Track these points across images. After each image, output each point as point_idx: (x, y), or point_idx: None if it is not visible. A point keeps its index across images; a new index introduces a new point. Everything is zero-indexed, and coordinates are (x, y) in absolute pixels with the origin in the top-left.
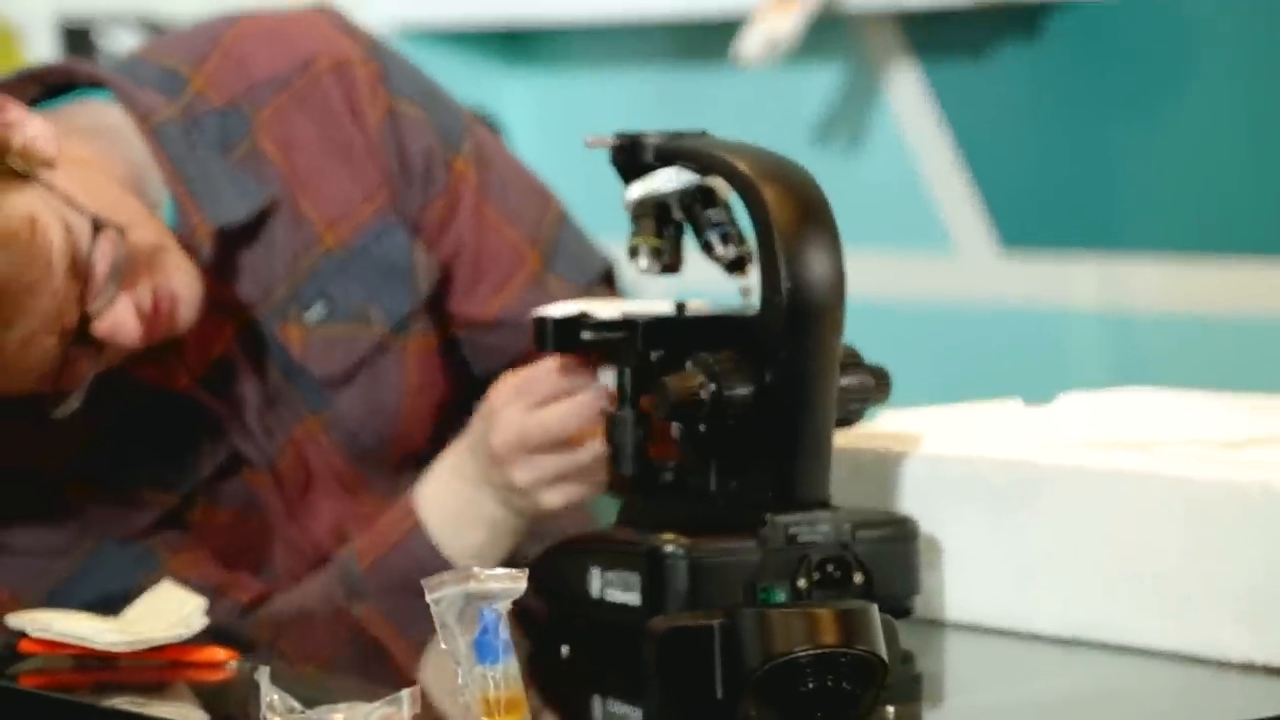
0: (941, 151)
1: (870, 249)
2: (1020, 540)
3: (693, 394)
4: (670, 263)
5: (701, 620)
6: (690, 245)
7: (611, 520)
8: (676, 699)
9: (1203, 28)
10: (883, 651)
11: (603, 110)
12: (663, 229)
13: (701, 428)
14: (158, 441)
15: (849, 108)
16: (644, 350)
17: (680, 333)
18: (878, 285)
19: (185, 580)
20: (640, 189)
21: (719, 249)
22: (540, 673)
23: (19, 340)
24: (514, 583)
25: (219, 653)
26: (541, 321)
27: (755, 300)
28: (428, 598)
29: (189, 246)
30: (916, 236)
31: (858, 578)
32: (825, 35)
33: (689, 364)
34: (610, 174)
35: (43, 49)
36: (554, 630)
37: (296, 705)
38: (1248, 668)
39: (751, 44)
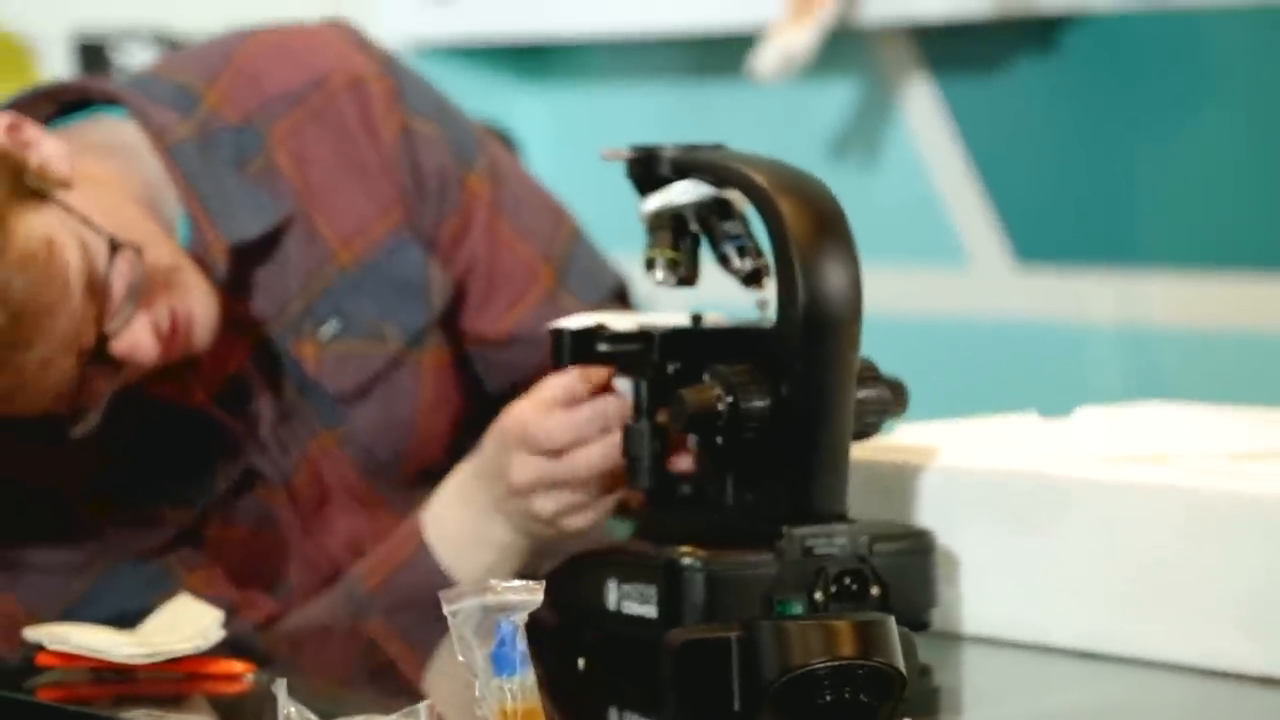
0: (956, 166)
1: (885, 263)
2: (1037, 553)
3: (710, 406)
4: (687, 275)
5: (718, 633)
6: (706, 258)
7: (627, 533)
8: (693, 711)
9: (1219, 42)
10: (900, 664)
11: (618, 125)
12: (679, 241)
13: (718, 440)
14: (173, 458)
15: (864, 122)
16: (661, 362)
17: (697, 345)
18: (893, 300)
19: (200, 598)
20: (656, 201)
21: (735, 262)
22: (557, 685)
23: (38, 361)
24: (531, 595)
25: (236, 665)
26: (558, 333)
27: (772, 313)
28: (445, 610)
29: (204, 264)
30: (931, 251)
31: (875, 590)
32: (840, 50)
33: (706, 376)
34: (625, 189)
35: (57, 64)
36: (571, 643)
37: (313, 717)
38: (1265, 681)
39: (766, 59)
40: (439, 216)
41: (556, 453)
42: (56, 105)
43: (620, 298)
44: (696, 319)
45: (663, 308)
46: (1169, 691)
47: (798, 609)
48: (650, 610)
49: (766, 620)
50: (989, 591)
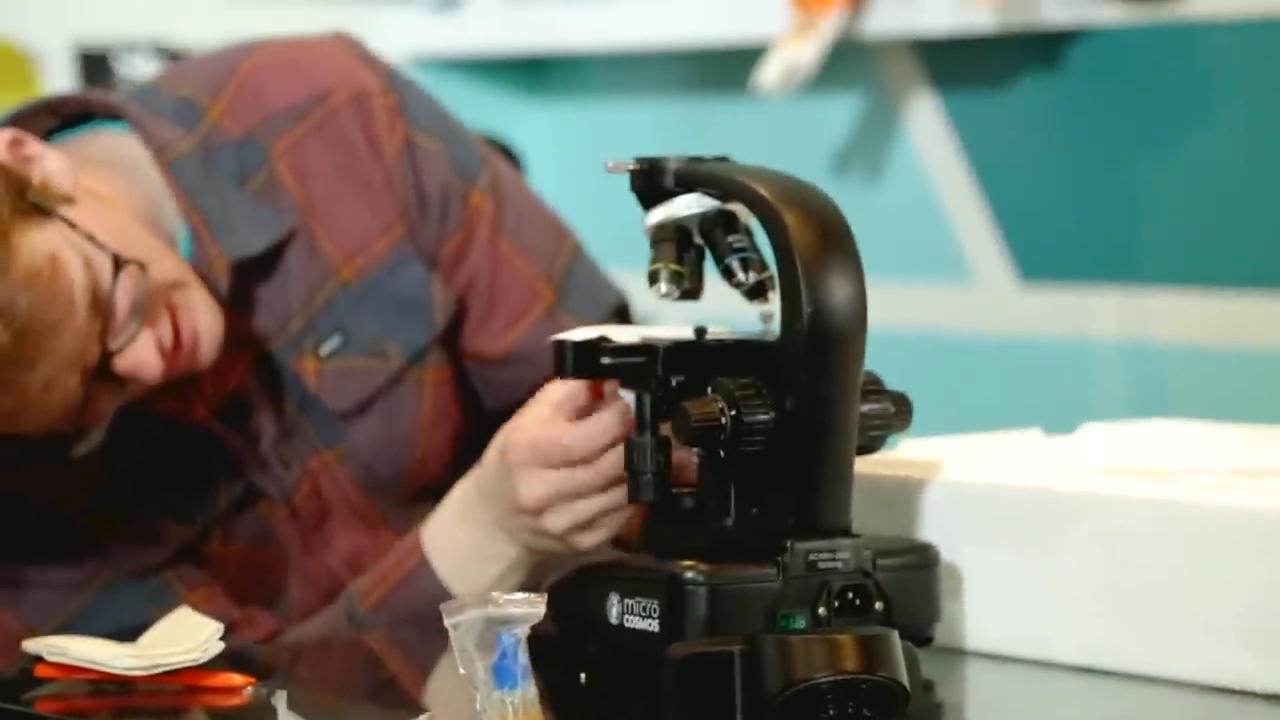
0: (960, 180)
1: (889, 278)
2: (1041, 568)
3: (713, 419)
4: (691, 288)
5: (721, 646)
6: (710, 271)
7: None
8: None
9: (1223, 57)
10: (904, 678)
11: (621, 139)
12: (683, 254)
13: (721, 454)
14: (175, 474)
15: (868, 137)
16: (664, 375)
17: (701, 358)
18: (896, 315)
19: None
20: (660, 214)
21: (739, 274)
22: (558, 700)
23: (42, 380)
24: (533, 607)
25: (235, 678)
26: (561, 345)
27: (776, 326)
28: (446, 622)
29: (206, 279)
30: (935, 266)
31: (879, 605)
32: (844, 64)
33: (709, 390)
34: (629, 204)
35: (60, 75)
36: (572, 657)
37: None
38: (1269, 697)
39: (770, 73)
40: (441, 233)
41: (571, 465)
42: (58, 118)
43: (621, 315)
44: (700, 332)
45: (666, 322)
46: (1172, 707)
47: (801, 624)
48: (652, 624)
49: (770, 634)
50: (992, 606)
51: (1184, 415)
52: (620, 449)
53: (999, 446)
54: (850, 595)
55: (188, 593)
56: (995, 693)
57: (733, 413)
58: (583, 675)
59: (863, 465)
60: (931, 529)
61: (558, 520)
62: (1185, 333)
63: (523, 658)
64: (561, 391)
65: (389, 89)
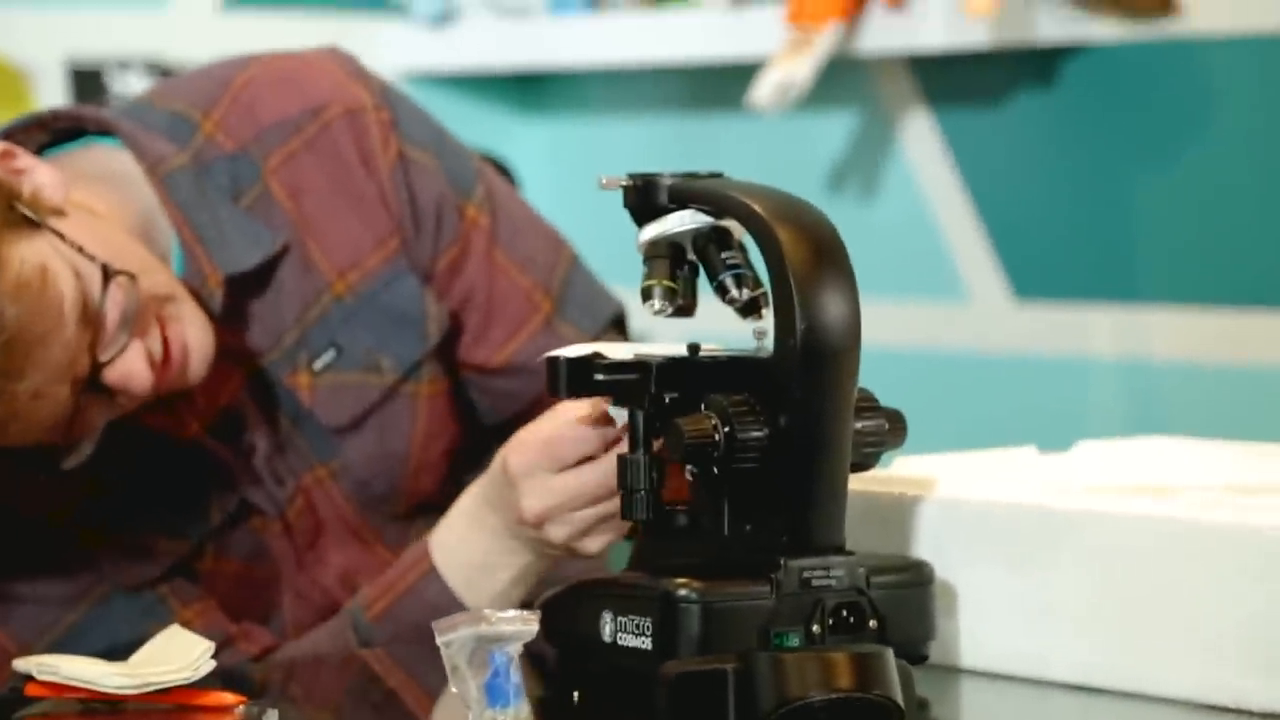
0: (955, 198)
1: (883, 296)
2: (1036, 586)
3: (706, 436)
4: (684, 304)
5: (714, 664)
6: (704, 288)
7: (623, 564)
8: None
9: (1220, 74)
10: (898, 697)
11: (616, 155)
12: (676, 270)
13: (715, 470)
14: (168, 490)
15: (862, 154)
16: (657, 392)
17: (694, 375)
18: (890, 332)
19: (195, 632)
20: (654, 230)
21: (733, 291)
22: (551, 718)
23: (31, 391)
24: (525, 625)
25: (227, 697)
26: (554, 362)
27: (769, 343)
28: (438, 640)
29: (199, 295)
30: (930, 283)
31: (873, 623)
32: (839, 81)
33: (703, 406)
34: (622, 221)
35: (53, 92)
36: (565, 675)
37: None
38: (1266, 716)
39: (765, 89)
40: (436, 247)
41: (579, 465)
42: (50, 133)
43: (619, 325)
44: (693, 349)
45: (660, 338)
46: None
47: (795, 641)
48: (645, 642)
49: (763, 652)
50: (987, 624)
51: (1180, 433)
52: (612, 471)
53: (994, 464)
54: (844, 613)
55: (182, 608)
56: (990, 711)
57: (726, 429)
58: (575, 694)
59: (857, 482)
60: (926, 546)
61: (559, 531)
62: (1181, 350)
63: (515, 676)
64: (573, 409)
65: (382, 104)
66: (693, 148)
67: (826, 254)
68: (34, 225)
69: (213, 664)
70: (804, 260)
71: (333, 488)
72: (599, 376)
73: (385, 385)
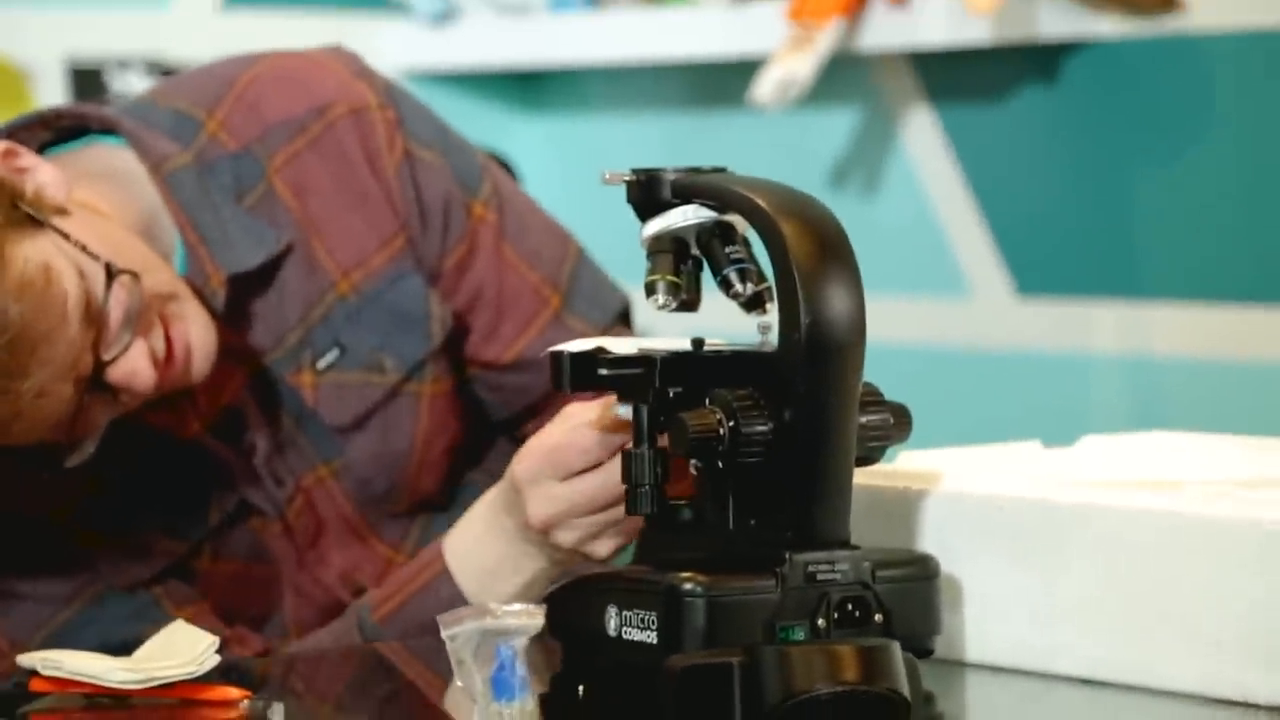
0: (957, 194)
1: (886, 292)
2: (1041, 580)
3: (711, 430)
4: (688, 299)
5: (720, 658)
6: (708, 284)
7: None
8: None
9: (1222, 70)
10: (905, 690)
11: (617, 153)
12: (680, 265)
13: (719, 465)
14: (168, 489)
15: (864, 151)
16: (662, 387)
17: (698, 370)
18: (893, 329)
19: None
20: (657, 225)
21: (737, 286)
22: (556, 712)
23: (34, 390)
24: (531, 619)
25: (231, 691)
26: (558, 357)
27: (774, 338)
28: (444, 634)
29: (202, 294)
30: (932, 280)
31: (878, 617)
32: (841, 78)
33: (707, 401)
34: (625, 219)
35: (53, 91)
36: (570, 669)
37: None
38: (1272, 709)
39: (767, 86)
40: (444, 245)
41: (585, 470)
42: (53, 131)
43: (625, 318)
44: (698, 343)
45: (663, 334)
46: (1173, 719)
47: (800, 635)
48: (651, 636)
49: (769, 645)
50: (992, 618)
51: (1183, 428)
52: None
53: (998, 458)
54: (849, 607)
55: (175, 610)
56: (996, 705)
57: (731, 424)
58: (580, 688)
59: (862, 476)
60: (931, 540)
61: (567, 536)
62: (1184, 346)
63: (521, 669)
64: (580, 416)
65: (387, 103)
66: (694, 145)
67: (831, 248)
68: (37, 224)
69: (217, 659)
70: (808, 254)
71: (334, 486)
72: (603, 371)
73: (388, 385)
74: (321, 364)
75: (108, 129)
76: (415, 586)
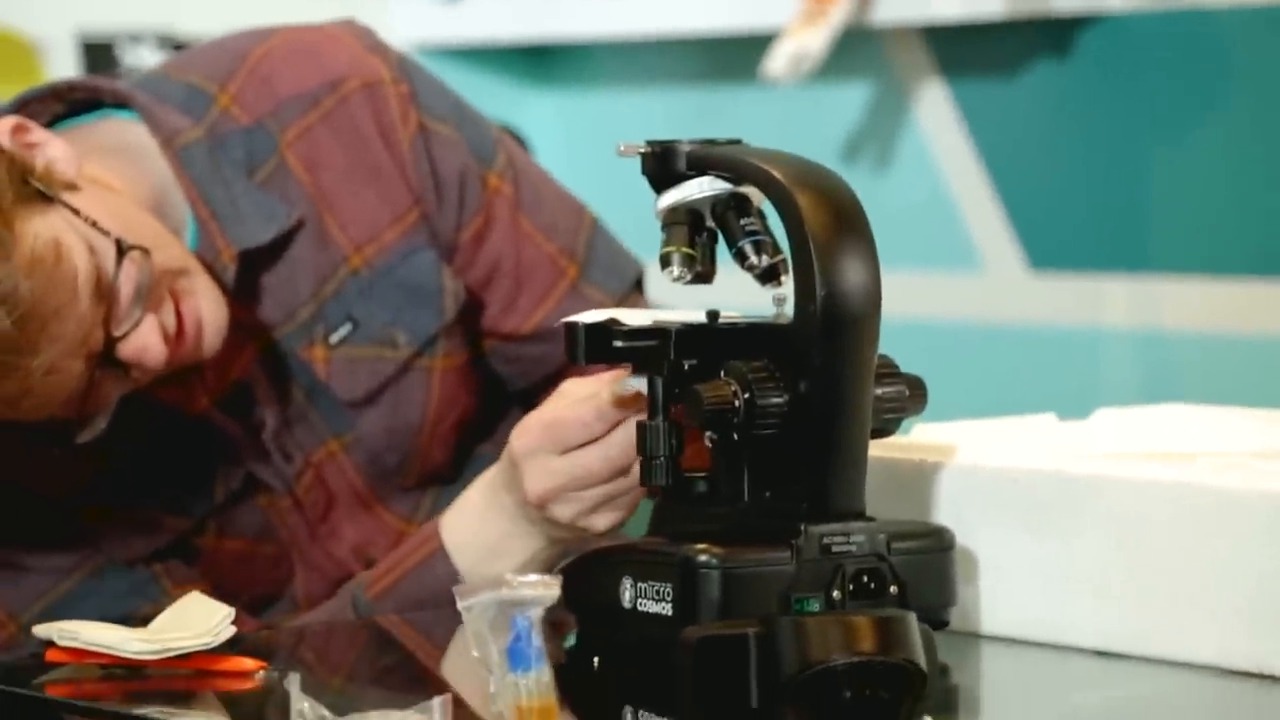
0: (970, 169)
1: (898, 267)
2: (1056, 551)
3: (726, 402)
4: (703, 271)
5: (736, 629)
6: (722, 256)
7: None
8: (710, 709)
9: (1237, 44)
10: (921, 660)
11: (629, 128)
12: (695, 237)
13: (735, 437)
14: (175, 464)
15: (877, 125)
16: (677, 359)
17: (713, 341)
18: (906, 304)
19: None
20: (672, 197)
21: (752, 258)
22: (572, 684)
23: (45, 367)
24: (547, 589)
25: (247, 662)
26: (572, 328)
27: (789, 310)
28: (460, 605)
29: (212, 269)
30: (945, 255)
31: (893, 589)
32: (853, 51)
33: (722, 373)
34: (637, 193)
35: (64, 65)
36: (585, 641)
37: (327, 713)
38: None
39: (779, 61)
40: (460, 219)
41: (583, 445)
42: (65, 104)
43: (640, 285)
44: (713, 315)
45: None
46: (1188, 690)
47: (815, 607)
48: (666, 608)
49: (785, 616)
50: (1007, 590)
51: (1195, 401)
52: (626, 433)
53: (1013, 431)
54: (865, 579)
55: (174, 588)
56: (1010, 676)
57: (746, 396)
58: (595, 659)
59: (877, 449)
60: (946, 512)
61: (564, 510)
62: (1195, 320)
63: (537, 640)
64: (578, 391)
65: (400, 77)
66: (706, 119)
67: (846, 219)
68: (47, 200)
69: (233, 630)
70: (824, 225)
71: (345, 460)
72: (617, 343)
73: (400, 359)
74: (334, 338)
75: (121, 103)
76: (410, 564)
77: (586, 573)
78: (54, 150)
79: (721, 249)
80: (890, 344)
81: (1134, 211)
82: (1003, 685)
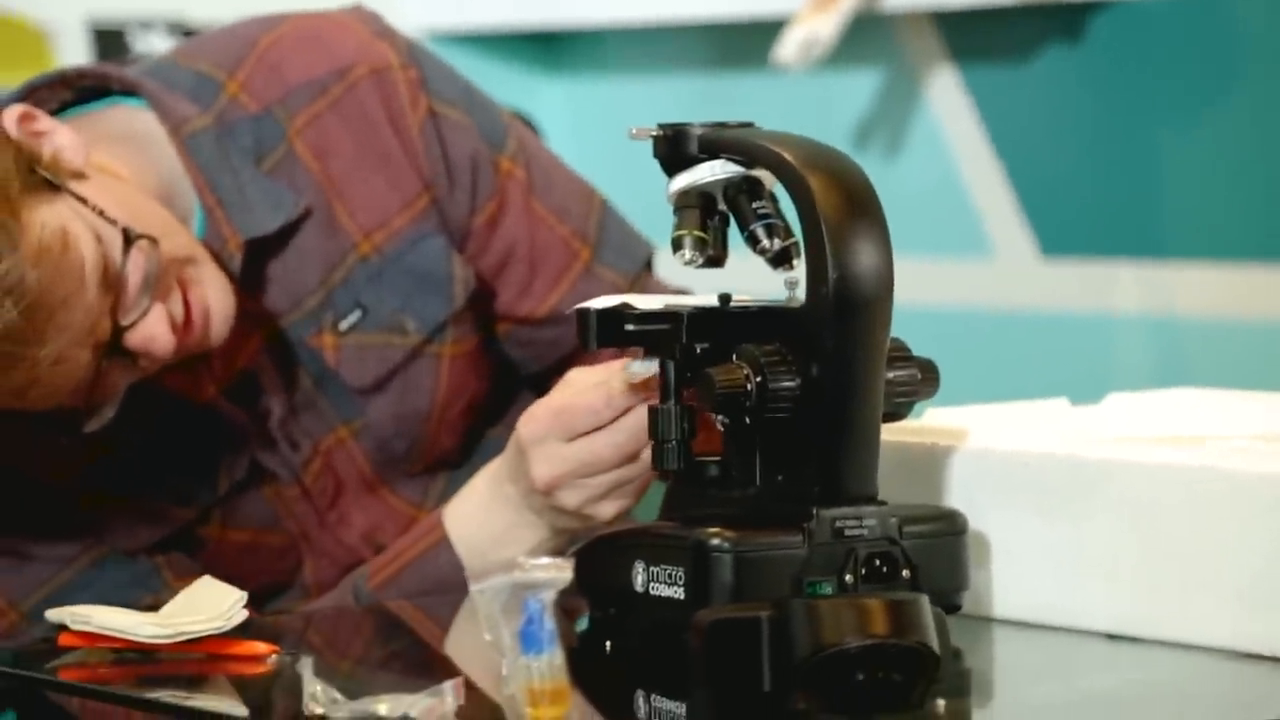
0: (981, 154)
1: (909, 253)
2: (1068, 535)
3: (738, 386)
4: (715, 255)
5: (749, 612)
6: (734, 241)
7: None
8: (723, 691)
9: (1249, 29)
10: (934, 643)
11: (639, 114)
12: (707, 220)
13: (747, 420)
14: (179, 453)
15: (888, 111)
16: (688, 343)
17: (725, 325)
18: (917, 290)
19: None
20: (684, 180)
21: (764, 241)
22: (584, 667)
23: (52, 356)
24: (560, 572)
25: (259, 646)
26: (584, 314)
27: (801, 293)
28: (472, 588)
29: (220, 257)
30: (956, 240)
31: (905, 573)
32: (864, 37)
33: (734, 356)
34: (647, 179)
35: (74, 52)
36: (597, 625)
37: (339, 697)
38: None
39: (789, 47)
40: (473, 203)
41: (590, 432)
42: (74, 91)
43: (651, 265)
44: (725, 299)
45: (687, 291)
46: (1200, 673)
47: (827, 591)
48: (678, 592)
49: (798, 599)
50: (1019, 574)
51: (1206, 386)
52: (634, 419)
53: (1025, 415)
54: (877, 562)
55: (176, 580)
56: (1022, 660)
57: (758, 379)
58: (608, 642)
59: (889, 432)
60: (958, 496)
61: (571, 496)
62: (1207, 306)
63: (549, 623)
64: (586, 379)
65: (409, 62)
66: (716, 106)
67: (858, 202)
68: (54, 188)
69: (245, 614)
70: (836, 208)
71: (353, 447)
72: (630, 327)
73: (409, 346)
74: (344, 325)
75: (129, 90)
76: (413, 554)
77: (599, 556)
78: (61, 139)
79: (733, 232)
80: (902, 330)
81: (1145, 197)
82: (1015, 669)
